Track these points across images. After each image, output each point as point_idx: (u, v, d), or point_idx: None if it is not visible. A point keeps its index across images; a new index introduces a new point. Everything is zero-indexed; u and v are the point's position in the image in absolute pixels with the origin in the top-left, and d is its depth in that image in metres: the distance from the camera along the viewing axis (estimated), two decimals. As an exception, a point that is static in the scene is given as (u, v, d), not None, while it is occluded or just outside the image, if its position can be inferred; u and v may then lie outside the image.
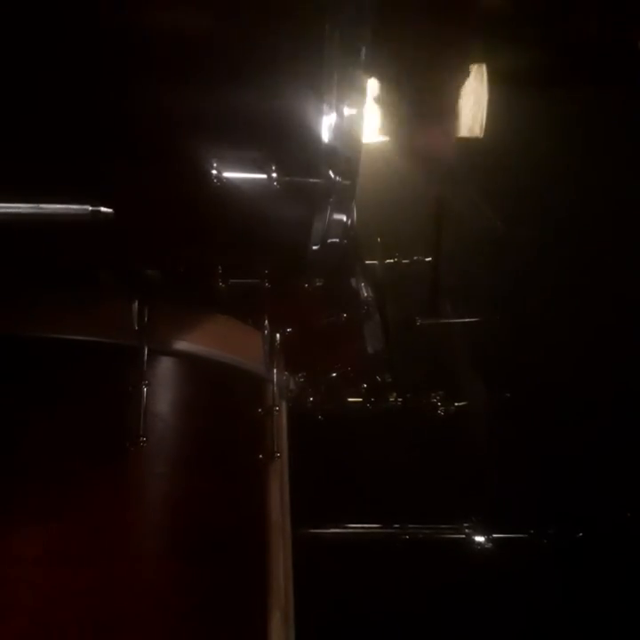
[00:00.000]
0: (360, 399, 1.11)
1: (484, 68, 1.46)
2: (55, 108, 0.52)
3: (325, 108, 0.52)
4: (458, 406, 1.16)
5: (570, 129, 1.60)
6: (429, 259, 1.10)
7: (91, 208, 0.56)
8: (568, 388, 1.55)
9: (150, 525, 0.69)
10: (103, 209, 0.56)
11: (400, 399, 1.11)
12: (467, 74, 0.80)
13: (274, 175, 0.53)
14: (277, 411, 0.83)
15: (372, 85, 0.85)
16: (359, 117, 0.53)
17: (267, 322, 0.84)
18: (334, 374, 1.05)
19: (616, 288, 1.59)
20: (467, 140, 1.50)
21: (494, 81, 1.49)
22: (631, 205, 1.59)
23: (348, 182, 0.56)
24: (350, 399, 1.10)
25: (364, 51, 0.52)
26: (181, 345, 0.73)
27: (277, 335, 0.85)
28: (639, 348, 1.56)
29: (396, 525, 1.34)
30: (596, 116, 1.61)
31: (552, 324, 1.58)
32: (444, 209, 1.17)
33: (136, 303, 0.70)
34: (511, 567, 1.38)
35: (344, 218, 0.60)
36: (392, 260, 1.07)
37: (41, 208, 0.55)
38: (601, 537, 1.45)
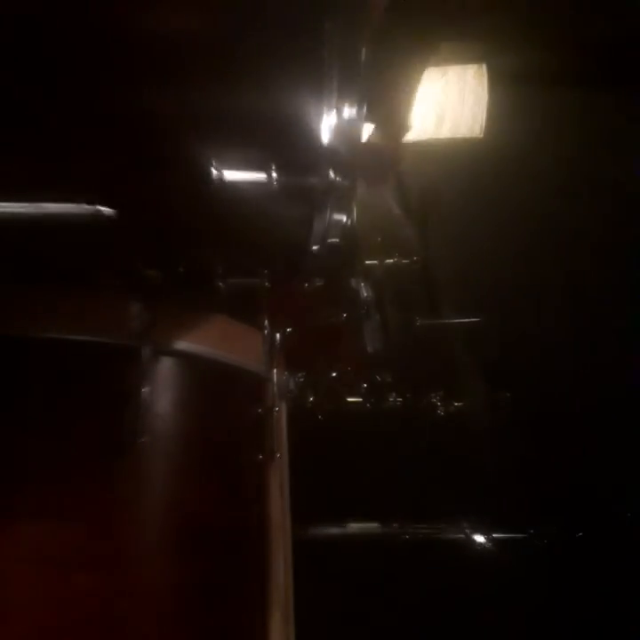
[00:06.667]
0: (360, 399, 1.11)
1: (484, 67, 1.46)
2: (54, 107, 0.52)
3: (325, 108, 0.52)
4: (458, 406, 1.16)
5: (572, 129, 1.60)
6: (421, 257, 1.10)
7: (91, 208, 0.56)
8: (568, 388, 1.55)
9: (150, 525, 0.69)
10: (103, 209, 0.56)
11: (400, 399, 1.11)
12: (420, 74, 0.79)
13: (274, 176, 0.53)
14: (277, 410, 0.83)
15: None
16: (359, 118, 0.53)
17: (267, 322, 0.84)
18: (334, 374, 1.05)
19: (617, 288, 1.59)
20: (467, 140, 1.50)
21: (495, 81, 1.49)
22: (635, 206, 1.59)
23: (347, 182, 0.56)
24: (350, 399, 1.10)
25: (364, 51, 0.52)
26: (181, 345, 0.73)
27: (277, 335, 0.85)
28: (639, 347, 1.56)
29: (396, 525, 1.34)
30: (600, 116, 1.61)
31: (552, 324, 1.58)
32: (432, 208, 1.17)
33: (136, 303, 0.70)
34: (511, 567, 1.39)
35: (344, 218, 0.60)
36: (392, 260, 1.07)
37: (41, 208, 0.55)
38: (601, 537, 1.45)
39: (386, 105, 0.75)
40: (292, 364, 0.92)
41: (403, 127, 0.85)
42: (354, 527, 1.34)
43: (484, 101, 1.49)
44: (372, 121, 0.76)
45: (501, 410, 1.33)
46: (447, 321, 1.21)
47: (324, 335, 0.97)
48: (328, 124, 0.52)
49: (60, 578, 0.63)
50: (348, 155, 0.54)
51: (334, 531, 1.33)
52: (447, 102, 1.47)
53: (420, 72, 0.78)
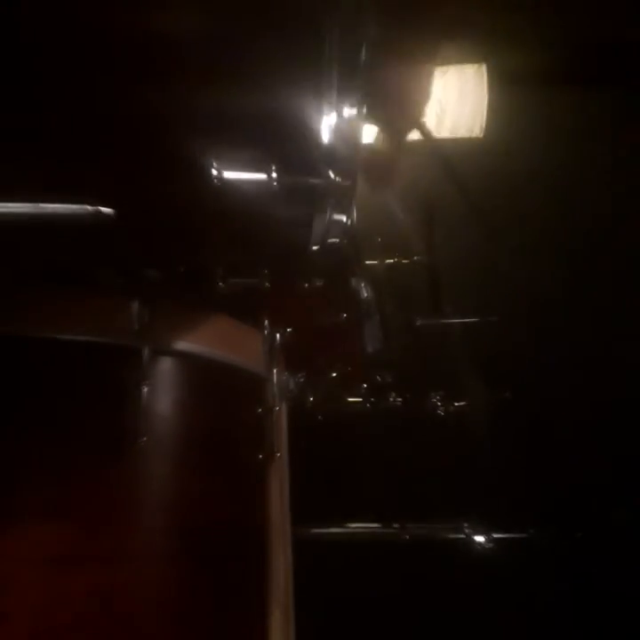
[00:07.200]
0: (360, 399, 1.11)
1: (483, 68, 1.47)
2: (55, 107, 0.52)
3: (325, 108, 0.52)
4: (458, 406, 1.16)
5: (572, 129, 1.60)
6: (422, 258, 1.10)
7: (91, 208, 0.56)
8: (568, 388, 1.55)
9: (150, 525, 0.69)
10: (103, 209, 0.56)
11: (400, 399, 1.11)
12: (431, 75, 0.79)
13: (274, 175, 0.53)
14: (277, 410, 0.83)
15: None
16: (359, 118, 0.53)
17: (267, 322, 0.84)
18: (334, 374, 1.05)
19: (617, 289, 1.59)
20: (467, 141, 1.50)
21: (495, 81, 1.49)
22: (634, 207, 1.59)
23: (347, 183, 0.56)
24: (350, 399, 1.10)
25: (363, 51, 0.52)
26: (181, 345, 0.73)
27: (277, 335, 0.85)
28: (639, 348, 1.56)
29: (396, 525, 1.34)
30: (600, 116, 1.61)
31: (552, 324, 1.58)
32: (431, 207, 1.17)
33: (136, 303, 0.70)
34: (511, 567, 1.39)
35: (344, 218, 0.60)
36: (392, 260, 1.07)
37: (41, 208, 0.55)
38: (601, 537, 1.45)
39: (393, 104, 0.75)
40: (291, 364, 0.92)
41: (411, 126, 0.85)
42: (354, 527, 1.34)
43: (484, 101, 1.49)
44: (376, 120, 0.76)
45: (501, 410, 1.33)
46: (447, 321, 1.21)
47: (323, 335, 0.97)
48: (328, 124, 0.52)
49: (61, 578, 0.63)
50: (349, 155, 0.54)
51: (334, 531, 1.33)
52: (447, 102, 1.47)
53: (430, 70, 0.78)
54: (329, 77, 0.51)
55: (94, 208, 0.55)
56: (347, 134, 0.53)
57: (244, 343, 0.82)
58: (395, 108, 0.77)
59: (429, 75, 0.77)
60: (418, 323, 1.14)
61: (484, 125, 1.48)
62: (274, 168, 0.53)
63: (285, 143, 0.53)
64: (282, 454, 0.85)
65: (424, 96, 0.77)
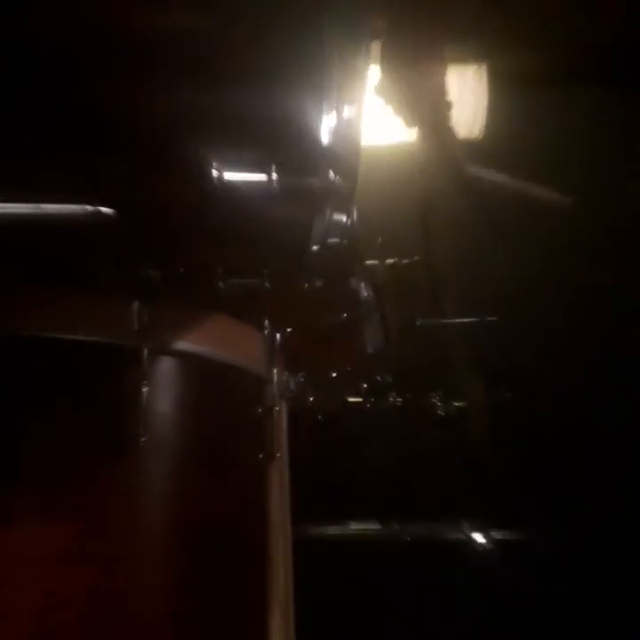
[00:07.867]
0: (360, 399, 1.11)
1: (483, 68, 1.47)
2: (56, 107, 0.52)
3: (325, 109, 0.52)
4: (458, 406, 1.16)
5: (571, 130, 1.60)
6: (425, 257, 1.10)
7: (91, 208, 0.56)
8: (568, 388, 1.55)
9: (150, 525, 0.69)
10: (103, 209, 0.56)
11: (400, 399, 1.11)
12: (443, 75, 0.79)
13: (274, 176, 0.53)
14: (277, 410, 0.84)
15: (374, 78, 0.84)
16: (359, 118, 0.53)
17: (267, 322, 0.84)
18: (334, 374, 1.05)
19: (617, 289, 1.59)
20: (466, 140, 1.50)
21: (495, 81, 1.50)
22: (635, 207, 1.59)
23: (347, 183, 0.56)
24: (350, 399, 1.10)
25: (364, 51, 0.52)
26: (181, 345, 0.73)
27: (277, 335, 0.85)
28: (639, 348, 1.56)
29: (396, 525, 1.34)
30: (599, 117, 1.62)
31: (552, 325, 1.58)
32: (432, 207, 1.17)
33: (136, 303, 0.70)
34: (510, 567, 1.39)
35: (344, 218, 0.60)
36: (392, 260, 1.07)
37: (41, 208, 0.56)
38: (600, 537, 1.45)
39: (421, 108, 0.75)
40: (291, 364, 0.92)
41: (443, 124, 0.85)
42: (354, 527, 1.34)
43: (484, 102, 1.49)
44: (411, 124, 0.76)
45: (501, 410, 1.33)
46: (447, 321, 1.21)
47: (324, 335, 0.97)
48: (328, 125, 0.52)
49: (60, 577, 0.63)
50: (349, 155, 0.54)
51: (334, 531, 1.33)
52: (447, 102, 1.46)
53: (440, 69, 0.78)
54: (329, 78, 0.51)
55: (94, 208, 0.56)
56: (347, 134, 0.53)
57: (244, 343, 0.82)
58: (417, 108, 0.77)
59: (443, 76, 0.77)
60: (418, 323, 1.14)
61: (483, 126, 1.49)
62: (274, 169, 0.53)
63: (286, 144, 0.54)
64: (282, 454, 0.85)
65: (447, 101, 0.78)
